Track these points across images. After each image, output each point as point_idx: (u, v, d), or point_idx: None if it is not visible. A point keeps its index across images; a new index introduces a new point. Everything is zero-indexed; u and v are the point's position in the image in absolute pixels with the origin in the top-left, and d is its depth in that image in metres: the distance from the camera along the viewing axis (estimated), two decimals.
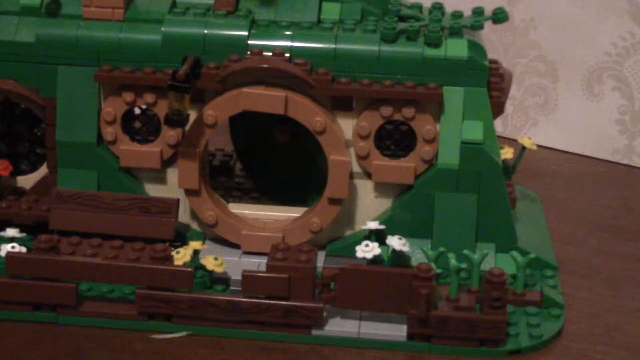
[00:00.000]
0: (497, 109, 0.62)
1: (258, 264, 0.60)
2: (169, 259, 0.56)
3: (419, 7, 0.64)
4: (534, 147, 0.70)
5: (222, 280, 0.59)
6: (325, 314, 0.56)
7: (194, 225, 0.64)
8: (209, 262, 0.58)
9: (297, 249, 0.56)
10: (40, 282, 0.56)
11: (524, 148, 0.69)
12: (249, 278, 0.55)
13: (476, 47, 0.60)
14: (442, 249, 0.58)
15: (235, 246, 0.62)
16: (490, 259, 0.60)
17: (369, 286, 0.54)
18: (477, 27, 0.61)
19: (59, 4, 0.62)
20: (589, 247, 0.69)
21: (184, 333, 0.56)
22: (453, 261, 0.56)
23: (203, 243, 0.62)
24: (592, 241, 0.70)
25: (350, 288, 0.54)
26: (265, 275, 0.55)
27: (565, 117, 0.86)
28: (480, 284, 0.57)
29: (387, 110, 0.60)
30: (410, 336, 0.55)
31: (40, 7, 0.62)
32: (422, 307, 0.53)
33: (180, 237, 0.62)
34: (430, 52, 0.60)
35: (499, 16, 0.62)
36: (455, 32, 0.61)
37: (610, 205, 0.76)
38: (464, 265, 0.56)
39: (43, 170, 0.66)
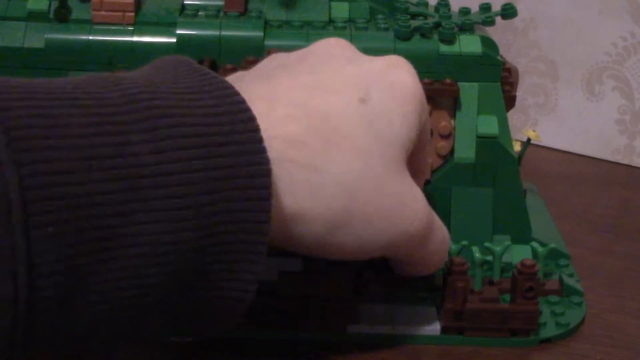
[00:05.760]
0: (509, 102, 0.67)
1: (278, 263, 0.63)
2: None
3: (425, 4, 0.68)
4: (540, 139, 0.73)
5: None
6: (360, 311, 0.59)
7: None
8: None
9: None
10: None
11: (529, 140, 0.73)
12: (286, 278, 0.58)
13: (489, 43, 0.65)
14: (464, 242, 0.61)
15: None
16: (509, 251, 0.64)
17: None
18: (489, 23, 0.65)
19: (68, 8, 0.65)
20: (589, 247, 0.72)
21: (190, 338, 0.58)
22: (477, 254, 0.59)
23: None
24: (592, 241, 0.73)
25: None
26: (304, 274, 0.58)
27: (565, 117, 0.90)
28: (501, 276, 0.61)
29: None
30: (444, 330, 0.58)
31: (49, 12, 0.65)
32: (459, 301, 0.57)
33: None
34: (445, 48, 0.64)
35: (508, 12, 0.66)
36: (467, 29, 0.65)
37: (610, 205, 0.80)
38: (488, 258, 0.60)
39: None
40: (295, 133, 0.48)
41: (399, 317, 0.59)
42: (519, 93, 0.89)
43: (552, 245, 0.63)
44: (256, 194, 0.45)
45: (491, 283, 0.60)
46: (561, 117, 0.90)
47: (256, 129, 0.46)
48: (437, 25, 0.65)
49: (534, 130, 0.74)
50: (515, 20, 0.74)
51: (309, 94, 0.51)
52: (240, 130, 0.45)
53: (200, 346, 0.57)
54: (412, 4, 0.68)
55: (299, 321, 0.58)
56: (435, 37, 0.64)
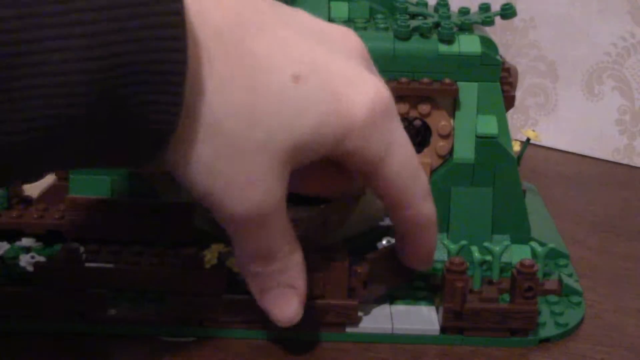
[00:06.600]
0: (508, 102, 0.67)
1: None
2: (201, 262, 0.59)
3: (425, 4, 0.69)
4: (539, 140, 0.74)
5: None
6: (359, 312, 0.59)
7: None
8: (234, 264, 0.60)
9: (328, 248, 0.59)
10: (69, 290, 0.58)
11: (528, 140, 0.74)
12: None
13: (488, 43, 0.65)
14: (463, 242, 0.61)
15: None
16: (508, 251, 0.64)
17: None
18: (488, 23, 0.66)
19: None
20: (589, 247, 0.72)
21: (190, 338, 0.58)
22: (477, 254, 0.60)
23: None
24: (592, 241, 0.74)
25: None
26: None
27: (565, 117, 0.90)
28: (501, 275, 0.61)
29: (403, 108, 0.64)
30: (444, 329, 0.58)
31: None
32: (458, 300, 0.57)
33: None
34: (444, 48, 0.64)
35: (508, 12, 0.67)
36: (466, 28, 0.65)
37: (610, 205, 0.81)
38: (488, 258, 0.60)
39: (50, 177, 0.68)
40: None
41: (398, 317, 0.59)
42: (519, 93, 0.90)
43: (551, 245, 0.64)
44: (169, 32, 0.44)
45: (490, 283, 0.61)
46: (561, 117, 0.90)
47: None
48: (437, 25, 0.65)
49: (533, 130, 0.74)
50: (515, 20, 0.74)
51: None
52: None
53: (199, 346, 0.58)
54: (411, 4, 0.68)
55: (299, 321, 0.58)
56: (435, 37, 0.65)
